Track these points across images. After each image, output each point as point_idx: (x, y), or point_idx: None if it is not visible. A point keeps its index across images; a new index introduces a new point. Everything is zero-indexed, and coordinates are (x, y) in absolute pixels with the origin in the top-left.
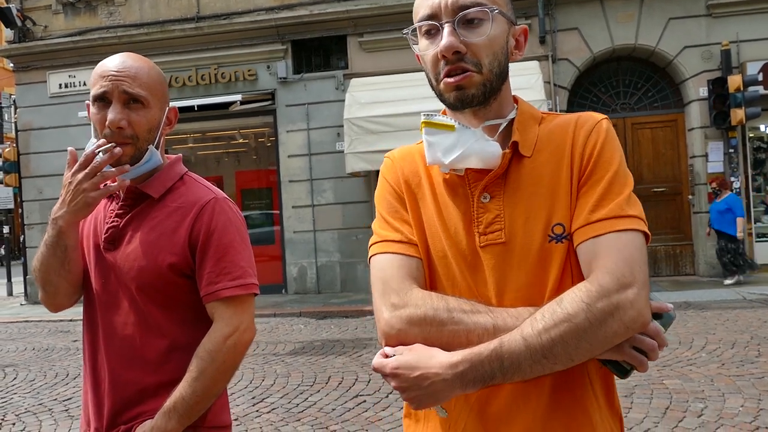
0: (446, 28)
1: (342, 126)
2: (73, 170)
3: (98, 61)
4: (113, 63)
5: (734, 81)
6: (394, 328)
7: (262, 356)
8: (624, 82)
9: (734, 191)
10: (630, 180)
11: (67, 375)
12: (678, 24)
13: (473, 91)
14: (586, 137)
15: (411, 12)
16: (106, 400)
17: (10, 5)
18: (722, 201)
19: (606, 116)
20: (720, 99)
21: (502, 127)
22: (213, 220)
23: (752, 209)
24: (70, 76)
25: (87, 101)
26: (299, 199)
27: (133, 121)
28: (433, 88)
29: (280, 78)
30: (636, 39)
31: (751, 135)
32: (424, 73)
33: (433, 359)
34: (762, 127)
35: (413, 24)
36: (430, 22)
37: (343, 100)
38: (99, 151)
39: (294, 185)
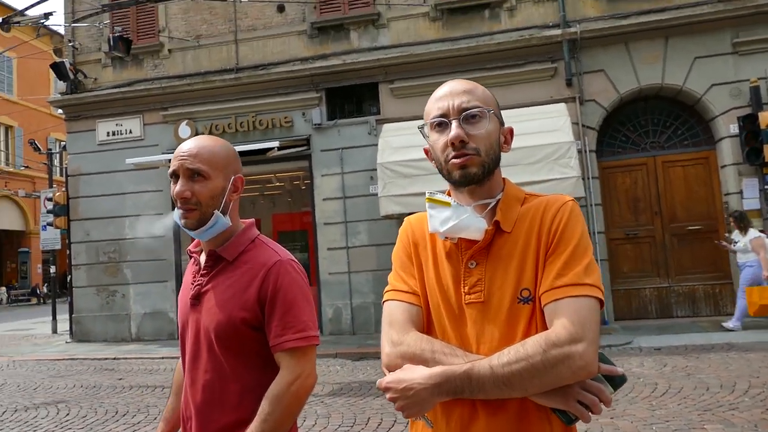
0: (454, 123)
1: (375, 169)
2: None
3: (143, 110)
4: (183, 146)
5: (765, 117)
6: (391, 359)
7: None
8: (653, 121)
9: None
10: (589, 251)
11: (117, 412)
12: (704, 62)
13: (474, 170)
14: (553, 216)
15: (438, 59)
16: None
17: (64, 60)
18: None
19: (572, 198)
20: (752, 135)
21: (490, 207)
22: (279, 280)
23: None
24: (117, 124)
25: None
26: (334, 241)
27: (196, 191)
28: (440, 170)
29: (315, 124)
30: (662, 79)
31: None
32: None
33: (416, 373)
34: None
35: (425, 121)
36: (441, 119)
37: (376, 145)
38: None
39: (329, 227)
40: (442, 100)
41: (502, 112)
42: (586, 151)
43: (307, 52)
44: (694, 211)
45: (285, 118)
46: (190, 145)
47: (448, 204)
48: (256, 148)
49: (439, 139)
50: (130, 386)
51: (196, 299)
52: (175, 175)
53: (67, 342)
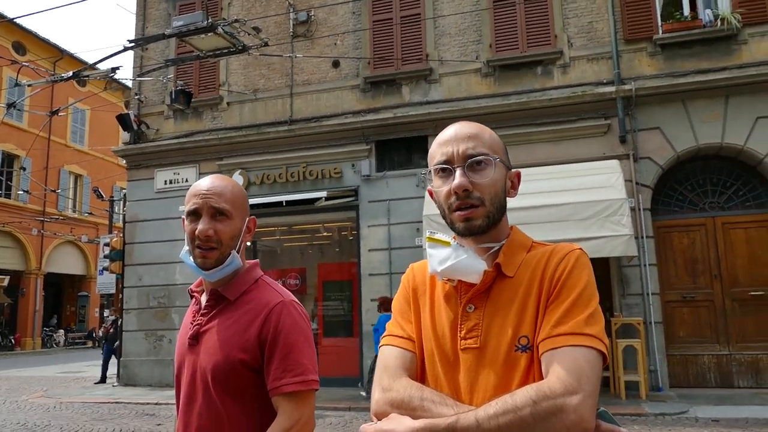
0: (458, 171)
1: (421, 222)
2: None
3: (199, 160)
4: (203, 184)
5: None
6: (379, 406)
7: None
8: (712, 181)
9: None
10: (594, 301)
11: None
12: (767, 123)
13: (479, 222)
14: (557, 263)
15: (489, 114)
16: None
17: (129, 112)
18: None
19: (580, 247)
20: None
21: (493, 250)
22: (280, 321)
23: None
24: (174, 173)
25: (182, 216)
26: (378, 292)
27: (218, 230)
28: (444, 217)
29: (364, 176)
30: (722, 138)
31: None
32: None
33: (402, 424)
34: None
35: (429, 167)
36: (445, 165)
37: (423, 197)
38: None
39: (374, 279)
40: (447, 145)
41: (552, 167)
42: (640, 209)
43: (359, 106)
44: (758, 275)
45: (335, 169)
46: (213, 182)
47: (447, 243)
48: (305, 197)
49: (442, 187)
50: None
51: (195, 339)
52: (195, 213)
53: (113, 386)
